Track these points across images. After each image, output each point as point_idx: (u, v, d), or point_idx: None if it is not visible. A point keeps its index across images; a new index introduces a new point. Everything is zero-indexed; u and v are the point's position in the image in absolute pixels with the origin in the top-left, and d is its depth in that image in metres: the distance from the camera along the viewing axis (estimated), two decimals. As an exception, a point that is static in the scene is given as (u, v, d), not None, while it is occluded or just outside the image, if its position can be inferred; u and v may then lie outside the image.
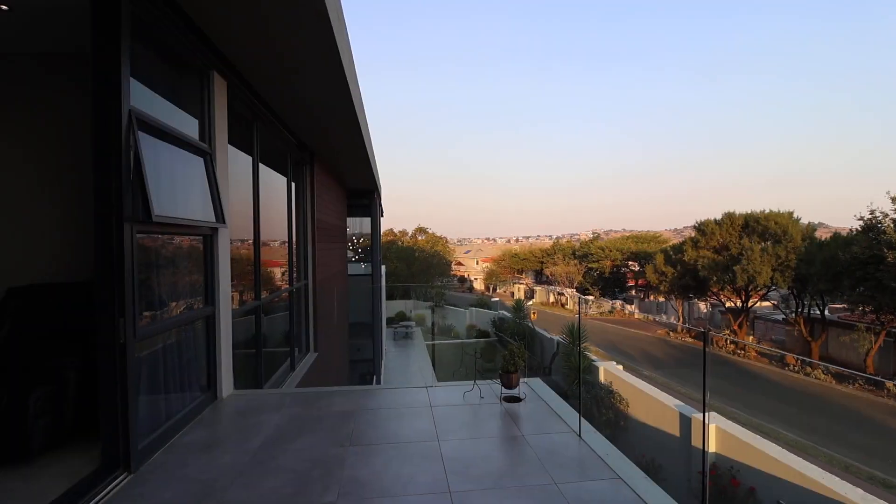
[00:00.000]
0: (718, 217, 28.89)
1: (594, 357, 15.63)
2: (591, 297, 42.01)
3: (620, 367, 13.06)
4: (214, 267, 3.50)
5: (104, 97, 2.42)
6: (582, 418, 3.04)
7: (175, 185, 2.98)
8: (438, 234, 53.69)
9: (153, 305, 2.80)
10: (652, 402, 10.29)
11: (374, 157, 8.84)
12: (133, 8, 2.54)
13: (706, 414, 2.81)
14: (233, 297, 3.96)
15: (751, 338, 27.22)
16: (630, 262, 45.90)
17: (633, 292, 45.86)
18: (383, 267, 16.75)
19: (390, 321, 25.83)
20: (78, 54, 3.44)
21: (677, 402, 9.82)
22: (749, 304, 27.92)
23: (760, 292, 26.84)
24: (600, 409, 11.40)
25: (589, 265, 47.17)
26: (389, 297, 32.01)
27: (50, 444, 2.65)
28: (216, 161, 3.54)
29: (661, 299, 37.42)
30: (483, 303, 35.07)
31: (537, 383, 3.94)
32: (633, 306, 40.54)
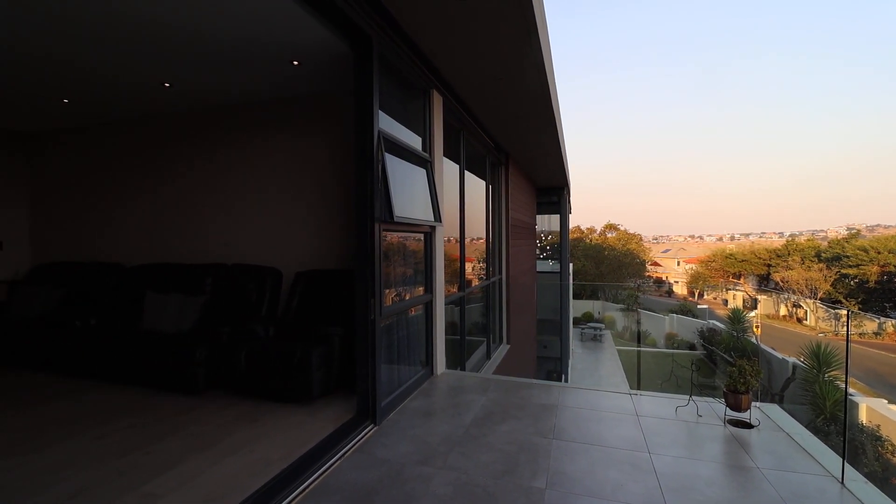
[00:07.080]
0: None
1: (853, 391, 12.10)
2: (844, 312, 32.28)
3: (894, 407, 9.81)
4: (433, 260, 4.02)
5: (362, 123, 3.04)
6: (846, 463, 2.42)
7: (405, 191, 3.53)
8: (631, 231, 49.12)
9: (391, 290, 3.40)
10: (956, 463, 7.45)
11: (565, 151, 8.70)
12: (380, 48, 3.10)
13: None
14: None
15: None
16: (913, 269, 33.46)
17: (920, 309, 33.28)
18: (570, 265, 16.34)
19: (577, 321, 25.05)
20: (338, 91, 4.40)
21: None
22: None
23: None
24: (861, 457, 8.80)
25: (842, 271, 36.19)
26: (576, 297, 31.06)
27: (322, 392, 3.48)
28: (434, 168, 4.05)
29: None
30: (686, 309, 30.74)
31: (775, 411, 3.29)
32: (917, 329, 29.50)
